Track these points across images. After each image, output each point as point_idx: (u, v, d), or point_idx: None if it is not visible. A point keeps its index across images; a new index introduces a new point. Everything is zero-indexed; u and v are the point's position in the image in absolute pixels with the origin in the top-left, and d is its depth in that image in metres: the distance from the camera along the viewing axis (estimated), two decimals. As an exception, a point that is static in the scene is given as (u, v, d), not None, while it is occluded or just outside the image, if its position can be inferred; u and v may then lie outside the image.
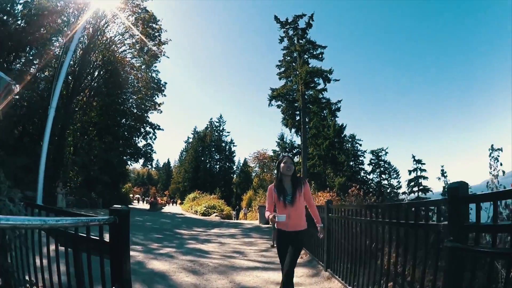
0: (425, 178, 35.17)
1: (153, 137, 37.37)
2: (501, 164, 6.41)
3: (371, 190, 36.55)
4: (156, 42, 32.50)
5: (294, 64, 32.51)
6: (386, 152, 45.09)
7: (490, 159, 6.53)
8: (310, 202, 4.30)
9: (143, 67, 33.94)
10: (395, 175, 44.43)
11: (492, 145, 6.56)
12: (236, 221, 29.28)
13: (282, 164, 4.14)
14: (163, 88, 35.43)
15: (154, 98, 35.43)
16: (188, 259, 7.57)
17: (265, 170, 57.55)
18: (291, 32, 33.08)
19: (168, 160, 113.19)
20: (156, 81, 35.17)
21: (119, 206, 2.53)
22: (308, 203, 4.29)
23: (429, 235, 3.03)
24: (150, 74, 34.62)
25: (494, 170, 6.35)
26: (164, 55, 33.73)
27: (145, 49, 32.51)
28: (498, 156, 6.52)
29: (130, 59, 33.49)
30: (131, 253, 7.37)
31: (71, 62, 26.27)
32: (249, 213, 34.32)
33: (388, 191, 42.50)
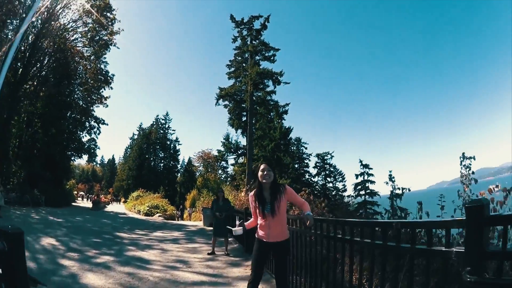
0: (372, 182, 35.71)
1: (97, 131, 36.34)
2: (473, 173, 6.62)
3: (315, 192, 36.91)
4: (109, 31, 31.99)
5: (244, 64, 32.81)
6: (332, 156, 46.18)
7: (461, 167, 6.74)
8: (299, 202, 4.01)
9: (92, 57, 33.05)
10: (340, 179, 45.44)
11: (463, 153, 6.83)
12: (180, 222, 28.85)
13: (259, 172, 3.94)
14: (110, 80, 34.50)
15: (101, 91, 34.48)
16: (126, 271, 6.96)
17: (209, 170, 57.27)
18: (245, 32, 33.42)
19: (113, 156, 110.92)
20: (104, 72, 34.14)
21: (8, 226, 1.71)
22: (298, 205, 4.08)
23: (431, 263, 2.47)
24: (99, 65, 33.66)
25: (465, 179, 6.56)
26: (115, 45, 33.15)
27: (97, 38, 31.87)
28: (470, 164, 6.76)
29: (81, 48, 32.63)
30: (67, 262, 7.03)
31: (22, 48, 24.81)
32: (193, 213, 33.47)
33: (333, 193, 43.15)
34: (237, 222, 4.48)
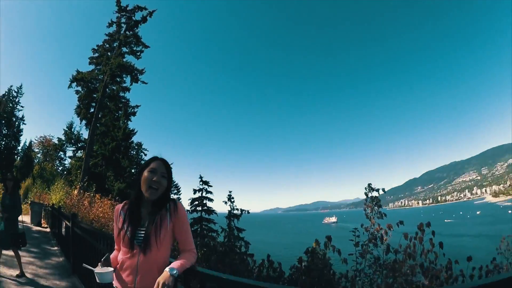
0: (210, 200, 36.59)
1: None
2: (380, 206, 6.66)
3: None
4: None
5: (110, 53, 30.56)
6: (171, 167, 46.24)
7: (368, 199, 6.83)
8: (186, 239, 2.42)
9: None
10: (175, 191, 45.77)
11: (369, 184, 6.90)
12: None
13: (146, 173, 2.38)
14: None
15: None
16: None
17: (47, 159, 53.65)
18: (123, 20, 31.57)
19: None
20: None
21: None
22: (181, 241, 2.42)
23: None
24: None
25: (371, 211, 6.65)
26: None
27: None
28: (377, 196, 6.83)
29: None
30: None
31: None
32: (24, 205, 29.74)
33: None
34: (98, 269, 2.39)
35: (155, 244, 2.29)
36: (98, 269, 2.37)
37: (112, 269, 2.39)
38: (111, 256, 2.55)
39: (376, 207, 6.63)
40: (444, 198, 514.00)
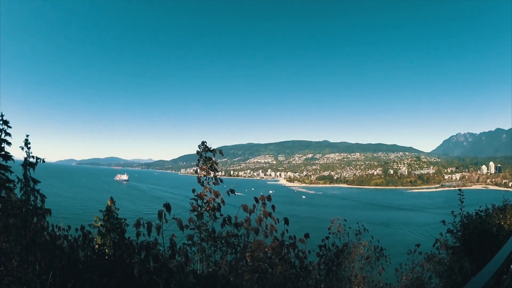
0: (9, 143, 30.87)
1: None
2: (216, 170, 6.37)
3: None
4: None
5: None
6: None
7: (200, 161, 6.35)
8: None
9: None
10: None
11: (203, 142, 6.26)
12: None
13: None
14: None
15: None
16: None
17: None
18: None
19: None
20: None
21: None
22: None
23: None
24: None
25: (205, 175, 6.30)
26: None
27: None
28: (213, 159, 6.32)
29: None
30: None
31: None
32: None
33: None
34: None
35: None
36: None
37: None
38: None
39: (212, 171, 6.25)
40: (237, 173, 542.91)
